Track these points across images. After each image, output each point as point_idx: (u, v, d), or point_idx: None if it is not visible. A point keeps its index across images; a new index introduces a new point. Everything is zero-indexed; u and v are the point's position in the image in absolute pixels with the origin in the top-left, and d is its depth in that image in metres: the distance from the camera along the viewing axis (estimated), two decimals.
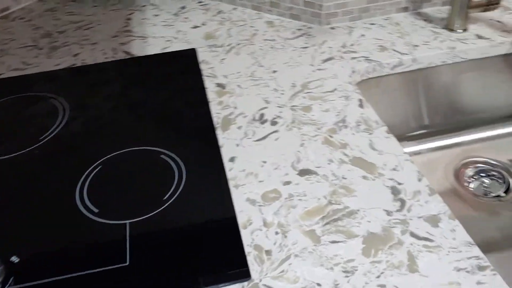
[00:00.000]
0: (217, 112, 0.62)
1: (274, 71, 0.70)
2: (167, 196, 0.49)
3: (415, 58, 0.71)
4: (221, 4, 0.91)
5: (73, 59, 0.76)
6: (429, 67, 0.73)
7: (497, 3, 0.74)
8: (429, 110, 0.80)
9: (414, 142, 0.81)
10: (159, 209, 0.48)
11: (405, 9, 0.82)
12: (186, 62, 0.73)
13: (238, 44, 0.78)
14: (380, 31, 0.78)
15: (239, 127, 0.60)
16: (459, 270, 0.41)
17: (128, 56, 0.76)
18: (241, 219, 0.47)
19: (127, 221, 0.47)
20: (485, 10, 0.74)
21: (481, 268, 0.41)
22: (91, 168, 0.53)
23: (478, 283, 0.40)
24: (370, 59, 0.71)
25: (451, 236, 0.44)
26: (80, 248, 0.44)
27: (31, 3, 0.97)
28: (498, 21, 0.78)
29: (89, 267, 0.42)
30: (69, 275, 0.42)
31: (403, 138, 0.81)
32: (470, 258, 0.42)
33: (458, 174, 0.78)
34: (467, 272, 0.41)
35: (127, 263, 0.43)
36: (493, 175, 0.77)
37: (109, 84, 0.69)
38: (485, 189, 0.75)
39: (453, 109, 0.81)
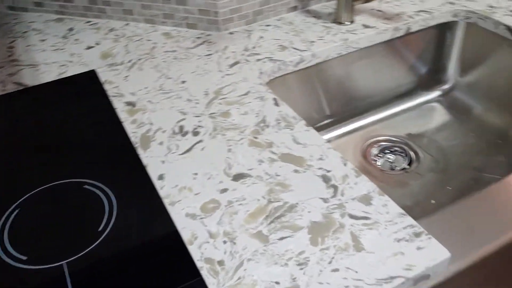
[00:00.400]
0: (133, 132, 0.60)
1: (183, 82, 0.69)
2: (101, 227, 0.46)
3: (314, 53, 0.75)
4: (111, 22, 0.87)
5: None
6: (324, 61, 0.78)
7: None
8: (329, 100, 0.85)
9: (321, 132, 0.86)
10: (97, 242, 0.45)
11: (295, 8, 0.87)
12: (87, 85, 0.69)
13: (139, 59, 0.75)
14: (276, 31, 0.81)
15: (160, 143, 0.58)
16: (399, 240, 0.44)
17: (21, 87, 0.70)
18: (185, 236, 0.46)
19: (64, 262, 0.43)
20: (366, 1, 0.81)
21: (417, 235, 0.45)
22: (6, 213, 0.48)
23: (418, 248, 0.43)
24: (274, 59, 0.73)
25: (385, 210, 0.47)
26: None
27: None
28: (379, 10, 0.85)
29: None
30: None
31: None
32: (405, 227, 0.46)
33: (365, 155, 0.84)
34: (406, 241, 0.44)
35: None
36: (396, 151, 0.85)
37: (5, 119, 0.63)
38: (391, 164, 0.82)
39: (351, 96, 0.87)
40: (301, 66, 0.75)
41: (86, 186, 0.51)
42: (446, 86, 0.94)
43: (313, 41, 0.77)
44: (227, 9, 0.79)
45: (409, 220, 0.46)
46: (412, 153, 0.83)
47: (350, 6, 0.80)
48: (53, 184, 0.51)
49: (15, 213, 0.48)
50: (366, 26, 0.81)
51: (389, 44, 0.84)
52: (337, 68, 0.81)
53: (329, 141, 0.86)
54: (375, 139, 0.87)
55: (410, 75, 0.91)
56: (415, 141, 0.85)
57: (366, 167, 0.82)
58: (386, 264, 0.42)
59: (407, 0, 0.88)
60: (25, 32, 0.86)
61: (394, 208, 0.48)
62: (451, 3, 0.86)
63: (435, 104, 0.93)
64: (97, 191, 0.50)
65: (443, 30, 0.87)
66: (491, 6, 0.84)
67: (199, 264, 0.43)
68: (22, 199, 0.50)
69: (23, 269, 0.42)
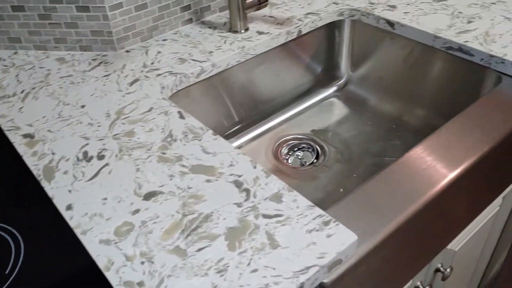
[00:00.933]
0: (34, 164, 0.57)
1: (83, 106, 0.67)
2: (8, 270, 0.44)
3: (213, 63, 0.77)
4: None
5: None
6: (226, 69, 0.80)
7: (266, 1, 0.84)
8: (236, 107, 0.87)
9: (232, 139, 0.88)
10: (4, 287, 0.42)
11: (190, 21, 0.88)
12: None
13: (33, 88, 0.72)
14: (174, 45, 0.81)
15: (65, 172, 0.56)
16: (310, 231, 0.47)
17: None
18: (101, 263, 0.45)
19: None
20: (258, 9, 0.84)
21: (326, 223, 0.48)
22: None
23: (328, 236, 0.46)
24: (174, 73, 0.74)
25: (295, 205, 0.50)
26: None
27: None
28: (271, 16, 0.89)
29: None
30: None
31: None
32: (315, 218, 0.48)
33: (276, 155, 0.87)
34: (317, 230, 0.47)
35: None
36: (303, 147, 0.89)
37: None
38: (300, 160, 0.86)
39: (256, 100, 0.89)
40: (203, 76, 0.76)
41: None
42: (340, 82, 1.00)
43: (211, 52, 0.79)
44: (120, 28, 0.78)
45: (318, 210, 0.49)
46: (318, 148, 0.88)
47: (242, 15, 0.82)
48: None
49: None
50: (260, 33, 0.84)
51: (285, 47, 0.88)
52: (239, 75, 0.83)
53: (240, 146, 0.88)
54: (283, 139, 0.91)
55: (308, 74, 0.95)
56: (320, 136, 0.90)
57: (278, 166, 0.85)
58: (301, 256, 0.45)
59: (295, 5, 0.93)
60: None
61: (303, 202, 0.50)
62: (335, 3, 0.92)
63: (334, 99, 0.98)
64: (1, 233, 0.48)
65: (332, 29, 0.93)
66: (372, 3, 0.91)
67: None
68: None
69: None
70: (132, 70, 0.75)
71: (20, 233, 0.47)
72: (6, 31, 0.81)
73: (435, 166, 0.58)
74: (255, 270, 0.44)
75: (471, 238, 0.83)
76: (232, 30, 0.84)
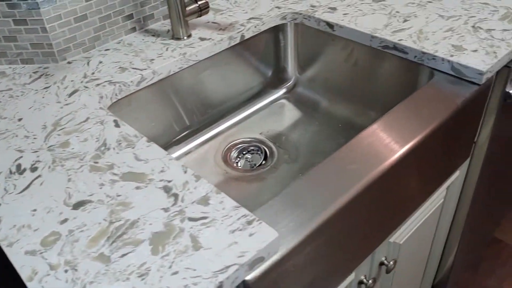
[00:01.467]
0: None
1: (20, 119, 0.67)
2: None
3: (154, 70, 0.77)
4: None
5: None
6: (173, 75, 0.81)
7: (207, 8, 0.85)
8: (185, 112, 0.88)
9: (182, 144, 0.88)
10: None
11: (134, 30, 0.88)
12: None
13: None
14: (116, 54, 0.82)
15: None
16: (233, 231, 0.48)
17: None
18: (24, 273, 0.45)
19: None
20: (199, 16, 0.85)
21: (249, 222, 0.49)
22: None
23: (250, 234, 0.47)
24: (113, 82, 0.74)
25: (221, 207, 0.51)
26: None
27: None
28: (214, 22, 0.90)
29: None
30: None
31: (170, 144, 0.87)
32: (239, 218, 0.49)
33: (226, 159, 0.88)
34: (240, 230, 0.48)
35: None
36: (252, 150, 0.90)
37: None
38: (250, 163, 0.87)
39: (205, 105, 0.90)
40: (144, 84, 0.77)
41: None
42: (289, 84, 1.01)
43: (152, 59, 0.80)
44: (60, 40, 0.79)
45: (243, 211, 0.50)
46: (266, 150, 0.89)
47: (184, 22, 0.83)
48: None
49: None
50: (202, 39, 0.85)
51: (230, 52, 0.89)
52: (185, 81, 0.84)
53: (189, 151, 0.89)
54: (233, 142, 0.92)
55: (256, 77, 0.97)
56: (269, 138, 0.91)
57: (228, 171, 0.86)
58: (222, 256, 0.46)
59: (239, 10, 0.94)
60: None
61: (230, 203, 0.51)
62: (278, 7, 0.94)
63: (283, 101, 1.00)
64: None
65: (276, 33, 0.94)
66: (313, 6, 0.93)
67: None
68: None
69: None
70: (72, 81, 0.75)
71: None
72: None
73: (368, 158, 0.60)
74: (175, 273, 0.44)
75: (416, 231, 0.85)
76: (175, 37, 0.85)
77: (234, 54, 0.90)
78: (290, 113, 0.97)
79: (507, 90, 0.82)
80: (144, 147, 0.60)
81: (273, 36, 0.95)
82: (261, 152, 0.88)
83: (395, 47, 0.79)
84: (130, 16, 0.86)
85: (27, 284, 0.44)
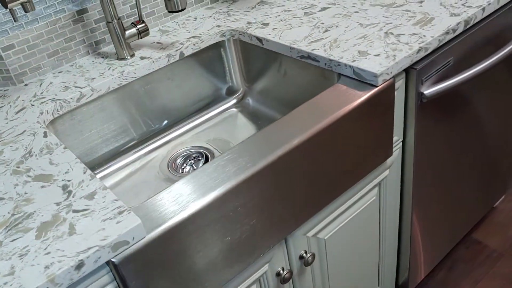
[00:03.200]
0: None
1: None
2: None
3: (93, 87, 0.88)
4: None
5: None
6: (109, 92, 0.91)
7: (146, 30, 0.95)
8: (131, 124, 0.97)
9: (128, 154, 0.98)
10: None
11: (87, 53, 0.99)
12: None
13: None
14: (66, 75, 0.93)
15: None
16: (105, 220, 0.56)
17: None
18: None
19: None
20: (140, 37, 0.95)
21: (121, 213, 0.57)
22: None
23: (118, 222, 0.55)
24: (55, 99, 0.85)
25: (102, 201, 0.59)
26: None
27: None
28: (158, 43, 1.00)
29: None
30: None
31: (117, 153, 0.97)
32: (113, 209, 0.58)
33: (172, 166, 0.96)
34: (111, 219, 0.56)
35: None
36: (196, 157, 0.98)
37: None
38: (195, 169, 0.95)
39: (151, 117, 1.00)
40: (84, 100, 0.87)
41: None
42: (238, 95, 1.09)
43: (94, 78, 0.90)
44: (16, 65, 0.91)
45: (119, 203, 0.58)
46: (209, 155, 0.97)
47: (125, 44, 0.94)
48: None
49: None
50: (143, 58, 0.95)
51: (176, 67, 0.98)
52: (129, 96, 0.94)
53: (135, 160, 0.98)
54: (179, 151, 1.00)
55: (206, 90, 1.05)
56: (214, 145, 0.99)
57: (173, 178, 0.94)
58: (89, 240, 0.54)
59: (183, 30, 1.04)
60: None
61: (111, 197, 0.60)
62: (218, 25, 1.03)
63: (233, 110, 1.08)
64: None
65: (218, 49, 1.03)
66: (249, 22, 1.01)
67: None
68: None
69: None
70: (23, 100, 0.87)
71: None
72: None
73: (271, 143, 0.66)
74: (48, 253, 0.53)
75: (345, 228, 0.90)
76: (120, 58, 0.95)
77: (179, 69, 0.99)
78: (237, 122, 1.05)
79: (421, 90, 0.86)
80: (60, 153, 0.70)
81: (217, 52, 1.03)
82: (205, 158, 0.96)
83: (309, 56, 0.86)
84: (82, 41, 0.97)
85: None
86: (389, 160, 0.92)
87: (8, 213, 0.60)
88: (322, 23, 0.95)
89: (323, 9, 1.02)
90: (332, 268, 0.93)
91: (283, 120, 0.73)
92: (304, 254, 0.83)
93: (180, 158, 0.98)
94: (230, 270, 0.69)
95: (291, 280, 0.84)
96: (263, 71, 1.00)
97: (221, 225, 0.64)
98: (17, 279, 0.51)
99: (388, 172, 0.93)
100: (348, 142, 0.77)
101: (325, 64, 0.84)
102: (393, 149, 0.91)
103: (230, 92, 1.09)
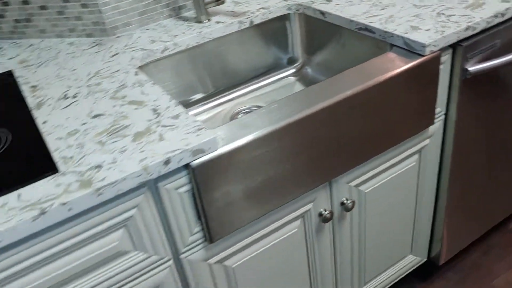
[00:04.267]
0: (32, 102, 0.85)
1: (74, 70, 0.95)
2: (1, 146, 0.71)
3: (175, 43, 1.02)
4: (31, 40, 1.14)
5: None
6: (189, 48, 1.05)
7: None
8: (203, 79, 1.11)
9: (195, 106, 1.12)
10: (1, 148, 0.69)
11: (170, 16, 1.14)
12: (5, 78, 0.95)
13: (46, 61, 1.01)
14: (152, 32, 1.08)
15: (49, 105, 0.83)
16: (187, 133, 0.69)
17: None
18: (52, 147, 0.70)
19: None
20: (217, 5, 1.09)
21: (200, 129, 0.70)
22: None
23: (197, 135, 0.69)
24: (144, 49, 1.00)
25: (185, 121, 0.73)
26: None
27: None
28: (232, 11, 1.13)
29: None
30: None
31: (186, 105, 1.11)
32: (194, 127, 0.71)
33: (233, 118, 1.09)
34: (192, 133, 0.69)
35: None
36: None
37: None
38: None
39: (220, 75, 1.13)
40: (167, 53, 1.02)
41: None
42: (297, 64, 1.21)
43: (176, 35, 1.04)
44: (111, 19, 1.06)
45: (199, 123, 0.72)
46: None
47: (204, 9, 1.08)
48: None
49: None
50: (218, 22, 1.08)
51: (243, 33, 1.11)
52: (205, 54, 1.08)
53: (203, 112, 1.11)
54: (240, 108, 1.13)
55: (268, 57, 1.18)
56: None
57: None
58: (174, 145, 0.67)
59: (254, 2, 1.16)
60: None
61: (192, 119, 0.73)
62: (285, 0, 1.15)
63: (291, 78, 1.20)
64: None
65: (283, 20, 1.15)
66: None
67: (56, 159, 0.68)
68: None
69: None
70: (116, 48, 1.02)
71: (6, 132, 0.74)
72: (36, 25, 1.12)
73: (323, 93, 0.78)
74: (142, 151, 0.67)
75: (384, 186, 1.00)
76: (198, 21, 1.10)
77: (247, 36, 1.12)
78: (295, 89, 1.16)
79: (465, 67, 0.95)
80: (148, 87, 0.84)
81: (282, 24, 1.15)
82: None
83: (366, 28, 0.96)
84: (166, 5, 1.12)
85: (52, 153, 0.69)
86: (430, 130, 1.00)
87: (109, 124, 0.75)
88: (380, 3, 1.05)
89: None
90: (369, 221, 1.02)
91: (333, 79, 0.84)
92: (345, 201, 0.93)
93: (241, 114, 1.11)
94: (282, 197, 0.81)
95: (331, 222, 0.95)
96: (323, 43, 1.12)
97: (277, 154, 0.76)
98: (119, 166, 0.65)
99: (429, 142, 1.02)
100: (393, 104, 0.87)
101: (380, 35, 0.94)
102: (435, 120, 1.00)
103: (290, 61, 1.21)
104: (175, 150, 0.66)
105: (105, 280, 0.70)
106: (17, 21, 1.12)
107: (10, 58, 1.05)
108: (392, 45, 0.92)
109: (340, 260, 1.03)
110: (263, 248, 0.87)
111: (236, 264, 0.85)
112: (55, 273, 0.65)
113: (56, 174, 0.65)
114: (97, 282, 0.70)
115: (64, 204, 0.60)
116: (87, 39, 1.09)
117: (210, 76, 1.12)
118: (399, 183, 1.03)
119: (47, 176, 0.64)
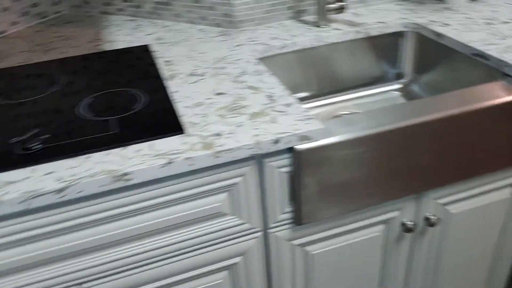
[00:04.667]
0: (166, 73, 0.98)
1: (203, 53, 1.07)
2: (135, 105, 0.83)
3: (294, 42, 1.11)
4: (166, 22, 1.29)
5: (61, 55, 1.11)
6: (305, 49, 1.13)
7: (343, 8, 1.15)
8: (312, 78, 1.19)
9: (302, 102, 1.19)
10: (133, 111, 0.82)
11: (292, 17, 1.23)
12: (143, 51, 1.09)
13: (179, 41, 1.15)
14: (274, 30, 1.18)
15: (180, 78, 0.95)
16: (297, 120, 0.77)
17: (101, 51, 1.11)
18: (181, 113, 0.82)
19: (113, 117, 0.80)
20: (338, 12, 1.16)
21: (309, 118, 0.77)
22: (88, 98, 0.87)
23: (306, 123, 0.76)
24: (265, 44, 1.10)
25: (298, 110, 0.80)
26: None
27: (22, 29, 1.32)
28: (350, 20, 1.20)
29: None
30: None
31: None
32: (304, 115, 0.78)
33: None
34: (302, 120, 0.77)
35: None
36: None
37: (96, 63, 1.04)
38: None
39: (329, 78, 1.20)
40: (285, 50, 1.11)
41: (132, 91, 0.89)
42: (404, 80, 1.24)
43: (295, 35, 1.13)
44: (242, 13, 1.18)
45: (308, 112, 0.79)
46: None
47: (325, 15, 1.15)
48: (114, 90, 0.90)
49: (90, 100, 0.87)
50: (335, 29, 1.15)
51: (359, 43, 1.18)
52: (318, 56, 1.15)
53: (311, 108, 1.19)
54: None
55: (377, 68, 1.23)
56: None
57: None
58: (285, 128, 0.75)
59: (372, 16, 1.22)
60: (108, 26, 1.29)
61: (303, 109, 0.81)
62: (403, 18, 1.19)
63: (396, 93, 1.24)
64: (135, 92, 0.88)
65: (397, 36, 1.19)
66: (431, 21, 1.16)
67: (183, 123, 0.79)
68: (99, 93, 0.88)
69: (94, 120, 0.80)
70: (240, 39, 1.13)
71: (143, 93, 0.87)
72: (172, 8, 1.26)
73: (429, 107, 0.83)
74: (256, 128, 0.76)
75: (474, 211, 1.00)
76: (317, 25, 1.17)
77: (360, 45, 1.18)
78: (398, 103, 1.20)
79: None
80: (266, 76, 0.93)
81: (395, 40, 1.20)
82: None
83: (482, 55, 0.98)
84: (289, 7, 1.22)
85: (179, 118, 0.80)
86: None
87: (229, 102, 0.85)
88: (500, 33, 1.06)
89: (504, 22, 1.12)
90: (449, 243, 1.03)
91: (441, 96, 0.87)
92: (431, 216, 0.96)
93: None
94: (371, 199, 0.86)
95: (413, 234, 0.98)
96: (433, 63, 1.14)
97: (373, 157, 0.82)
98: (236, 137, 0.74)
99: None
100: (495, 131, 0.88)
101: (495, 63, 0.95)
102: None
103: (397, 76, 1.25)
104: (285, 133, 0.74)
105: (199, 236, 0.80)
106: (157, 3, 1.28)
107: (148, 35, 1.21)
108: (506, 75, 0.93)
109: (413, 273, 1.05)
110: (344, 243, 0.92)
111: (316, 251, 0.91)
112: (165, 218, 0.76)
113: (183, 134, 0.76)
114: (191, 236, 0.80)
115: (188, 158, 0.70)
116: (215, 28, 1.22)
117: (317, 77, 1.19)
118: (487, 213, 1.03)
119: (175, 135, 0.75)
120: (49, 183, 0.66)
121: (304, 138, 0.75)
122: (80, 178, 0.67)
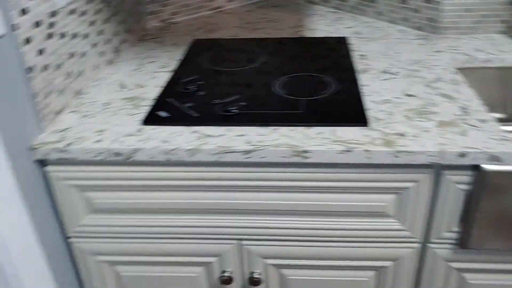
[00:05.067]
0: (358, 66, 1.00)
1: (398, 53, 1.06)
2: (324, 91, 0.88)
3: (501, 58, 1.02)
4: (366, 18, 1.30)
5: (265, 36, 1.21)
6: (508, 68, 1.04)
7: None
8: (509, 101, 1.08)
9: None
10: (325, 94, 0.86)
11: (503, 32, 1.14)
12: (340, 43, 1.13)
13: (376, 38, 1.15)
14: (479, 42, 1.10)
15: (373, 74, 0.96)
16: (490, 138, 0.72)
17: (302, 37, 1.18)
18: (367, 107, 0.83)
19: (303, 98, 0.86)
20: None
21: (503, 139, 0.72)
22: (280, 80, 0.94)
23: (502, 144, 0.71)
24: (467, 54, 1.04)
25: (491, 127, 0.75)
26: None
27: (235, 7, 1.46)
28: None
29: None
30: None
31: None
32: (499, 134, 0.73)
33: None
34: (495, 139, 0.72)
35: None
36: None
37: (292, 49, 1.11)
38: None
39: None
40: (489, 64, 1.03)
41: (322, 77, 0.93)
42: None
43: (504, 51, 1.04)
44: (448, 20, 1.13)
45: (505, 133, 0.73)
46: None
47: None
48: (307, 74, 0.95)
49: (285, 80, 0.93)
50: None
51: None
52: None
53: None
54: None
55: None
56: None
57: None
58: (475, 144, 0.71)
59: None
60: (311, 15, 1.36)
61: (498, 128, 0.75)
62: None
63: None
64: (327, 79, 0.92)
65: None
66: None
67: (368, 116, 0.80)
68: (293, 74, 0.95)
69: (286, 98, 0.86)
70: (441, 46, 1.09)
71: (334, 81, 0.90)
72: (374, 6, 1.27)
73: None
74: (443, 137, 0.73)
75: None
76: None
77: None
78: None
79: None
80: (464, 88, 0.89)
81: None
82: None
83: None
84: (504, 21, 1.12)
85: (366, 111, 0.82)
86: None
87: (418, 105, 0.83)
88: None
89: None
90: None
91: None
92: None
93: None
94: None
95: None
96: None
97: None
98: (419, 141, 0.73)
99: None
100: None
101: None
102: None
103: None
104: (474, 148, 0.70)
105: (356, 229, 0.81)
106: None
107: (347, 28, 1.24)
108: None
109: None
110: (509, 282, 0.84)
111: (475, 281, 0.85)
112: (331, 202, 0.79)
113: (366, 127, 0.77)
114: (349, 227, 0.81)
115: (367, 151, 0.72)
116: (415, 31, 1.19)
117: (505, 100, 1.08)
118: None
119: (358, 126, 0.77)
120: (239, 143, 0.74)
121: (495, 158, 0.70)
122: (266, 145, 0.74)
